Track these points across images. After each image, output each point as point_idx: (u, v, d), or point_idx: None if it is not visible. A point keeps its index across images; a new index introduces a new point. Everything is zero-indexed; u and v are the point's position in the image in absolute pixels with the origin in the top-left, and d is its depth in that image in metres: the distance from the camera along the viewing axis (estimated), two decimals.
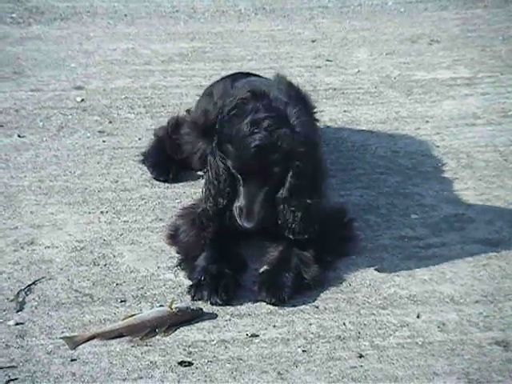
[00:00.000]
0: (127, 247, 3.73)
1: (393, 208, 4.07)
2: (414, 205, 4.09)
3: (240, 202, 3.40)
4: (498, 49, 6.21)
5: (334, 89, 5.49)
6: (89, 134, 4.81)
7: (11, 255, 3.66)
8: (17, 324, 3.21)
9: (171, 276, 3.52)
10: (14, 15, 6.88)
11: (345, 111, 5.15)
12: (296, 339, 3.16)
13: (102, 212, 4.02)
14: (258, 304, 3.35)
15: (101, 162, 4.50)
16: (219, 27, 6.72)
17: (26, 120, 4.98)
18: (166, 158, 4.30)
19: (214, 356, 3.06)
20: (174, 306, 3.22)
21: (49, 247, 3.72)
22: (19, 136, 4.78)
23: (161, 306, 3.29)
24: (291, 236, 3.46)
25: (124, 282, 3.49)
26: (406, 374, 2.98)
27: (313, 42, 6.39)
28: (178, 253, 3.62)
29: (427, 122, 5.01)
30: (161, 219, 3.94)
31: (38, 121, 4.97)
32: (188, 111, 4.55)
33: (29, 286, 3.44)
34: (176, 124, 4.40)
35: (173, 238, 3.68)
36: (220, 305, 3.31)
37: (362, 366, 3.02)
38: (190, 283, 3.42)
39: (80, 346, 3.10)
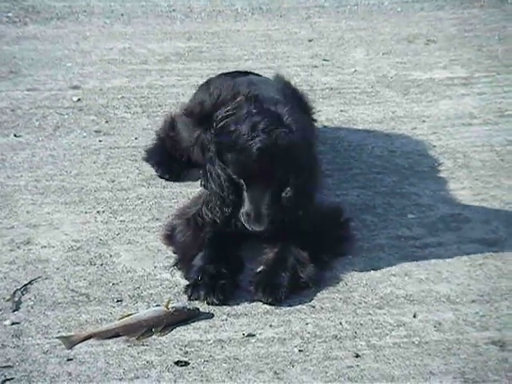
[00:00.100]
0: (124, 247, 3.73)
1: (389, 208, 4.07)
2: (410, 204, 4.09)
3: (246, 207, 3.39)
4: (495, 48, 6.21)
5: (331, 88, 5.49)
6: (85, 134, 4.81)
7: (7, 255, 3.65)
8: (13, 324, 3.21)
9: (168, 276, 3.52)
10: (10, 14, 6.88)
11: (341, 111, 5.15)
12: (292, 339, 3.16)
13: (98, 212, 4.01)
14: (254, 304, 3.35)
15: (97, 161, 4.49)
16: (216, 27, 6.72)
17: (22, 119, 4.98)
18: (170, 157, 4.30)
19: (211, 356, 3.06)
20: (170, 306, 3.22)
21: (45, 247, 3.72)
22: (15, 135, 4.77)
23: (157, 305, 3.29)
24: (294, 230, 3.47)
25: (120, 281, 3.49)
26: (403, 373, 2.98)
27: (309, 41, 6.39)
28: (174, 253, 3.62)
29: (424, 121, 5.01)
30: (157, 219, 3.94)
31: (35, 120, 4.97)
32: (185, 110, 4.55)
33: (25, 285, 3.44)
34: (172, 121, 4.41)
35: (169, 238, 3.68)
36: (216, 305, 3.31)
37: (358, 365, 3.02)
38: (187, 283, 3.42)
39: (76, 346, 3.10)
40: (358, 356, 3.06)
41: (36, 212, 4.00)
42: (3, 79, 5.55)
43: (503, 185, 4.28)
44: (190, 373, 2.98)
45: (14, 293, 3.39)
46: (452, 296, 3.40)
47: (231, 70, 4.98)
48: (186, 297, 3.36)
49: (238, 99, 3.52)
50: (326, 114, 5.07)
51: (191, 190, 4.15)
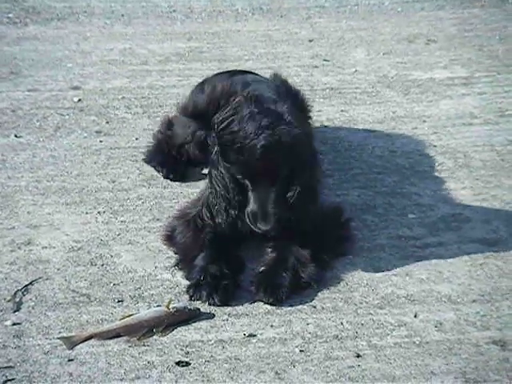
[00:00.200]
0: (124, 247, 3.73)
1: (390, 208, 4.07)
2: (411, 204, 4.09)
3: (251, 206, 3.38)
4: (495, 48, 6.21)
5: (332, 88, 5.49)
6: (86, 134, 4.81)
7: (8, 255, 3.66)
8: (14, 324, 3.21)
9: (168, 276, 3.52)
10: (10, 15, 6.88)
11: (342, 111, 5.15)
12: (293, 339, 3.16)
13: (99, 212, 4.01)
14: (255, 304, 3.35)
15: (98, 162, 4.49)
16: (216, 27, 6.72)
17: (23, 120, 4.98)
18: (171, 157, 4.31)
19: (212, 356, 3.06)
20: (171, 306, 3.22)
21: (46, 247, 3.72)
22: (16, 136, 4.77)
23: (158, 305, 3.29)
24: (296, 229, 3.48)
25: (121, 282, 3.49)
26: (404, 373, 2.98)
27: (310, 41, 6.39)
28: (175, 253, 3.62)
29: (424, 121, 5.01)
30: (158, 219, 3.94)
31: (35, 121, 4.97)
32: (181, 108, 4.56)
33: (26, 286, 3.44)
34: (169, 122, 4.43)
35: (170, 238, 3.68)
36: (218, 305, 3.31)
37: (359, 365, 3.02)
38: (188, 283, 3.41)
39: (77, 346, 3.10)
40: (359, 356, 3.06)
41: (37, 212, 4.00)
42: (4, 80, 5.55)
43: (504, 184, 4.28)
44: (191, 373, 2.98)
45: (15, 293, 3.39)
46: (453, 296, 3.40)
47: (232, 70, 4.99)
48: (186, 297, 3.36)
49: (237, 99, 3.52)
50: (326, 114, 5.07)
51: (192, 190, 4.15)
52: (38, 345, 3.10)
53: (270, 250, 3.54)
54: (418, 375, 2.97)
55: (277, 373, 2.98)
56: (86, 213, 4.01)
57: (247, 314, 3.29)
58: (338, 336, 3.17)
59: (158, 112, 5.07)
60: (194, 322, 3.24)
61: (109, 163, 4.48)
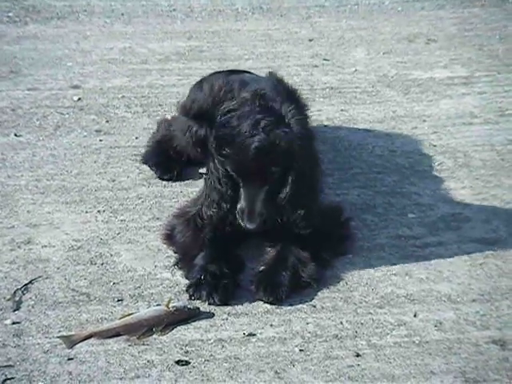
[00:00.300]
0: (124, 246, 3.73)
1: (390, 207, 4.07)
2: (411, 204, 4.09)
3: (241, 203, 3.40)
4: (495, 48, 6.21)
5: (331, 88, 5.49)
6: (86, 133, 4.81)
7: (8, 254, 3.66)
8: (13, 323, 3.21)
9: (168, 275, 3.52)
10: (10, 14, 6.88)
11: (342, 110, 5.15)
12: (293, 338, 3.16)
13: (98, 211, 4.01)
14: (255, 303, 3.35)
15: (98, 161, 4.49)
16: (216, 26, 6.72)
17: (23, 119, 4.98)
18: (168, 157, 4.31)
19: (211, 355, 3.06)
20: (171, 305, 3.22)
21: (45, 246, 3.72)
22: (16, 135, 4.77)
23: (158, 305, 3.29)
24: (296, 230, 3.47)
25: (121, 281, 3.49)
26: (403, 372, 2.98)
27: (310, 41, 6.39)
28: (175, 252, 3.62)
29: (424, 121, 5.01)
30: (158, 218, 3.94)
31: (35, 120, 4.97)
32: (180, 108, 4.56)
33: (25, 285, 3.44)
34: (167, 122, 4.44)
35: (169, 237, 3.68)
36: (218, 305, 3.31)
37: (359, 364, 3.02)
38: (188, 282, 3.41)
39: (77, 345, 3.10)
40: (358, 355, 3.06)
41: (36, 211, 4.00)
42: (4, 79, 5.55)
43: (504, 184, 4.28)
44: (190, 372, 2.98)
45: (15, 292, 3.39)
46: (453, 295, 3.40)
47: (230, 69, 4.99)
48: (186, 296, 3.36)
49: (244, 95, 3.52)
50: (326, 114, 5.07)
51: (191, 189, 4.15)
52: (38, 344, 3.10)
53: (269, 249, 3.54)
54: (418, 375, 2.97)
55: (276, 372, 2.98)
56: (86, 212, 4.01)
57: (247, 314, 3.29)
58: (337, 335, 3.17)
59: (158, 111, 5.07)
60: (194, 321, 3.24)
61: (109, 162, 4.48)
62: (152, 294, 3.40)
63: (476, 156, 4.57)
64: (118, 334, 3.14)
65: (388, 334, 3.18)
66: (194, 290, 3.35)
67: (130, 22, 6.78)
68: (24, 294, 3.38)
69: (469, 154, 4.60)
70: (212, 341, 3.14)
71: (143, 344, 3.11)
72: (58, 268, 3.57)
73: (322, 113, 5.04)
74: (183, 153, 4.30)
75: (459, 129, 4.90)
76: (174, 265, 3.55)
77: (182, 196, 4.13)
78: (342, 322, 3.24)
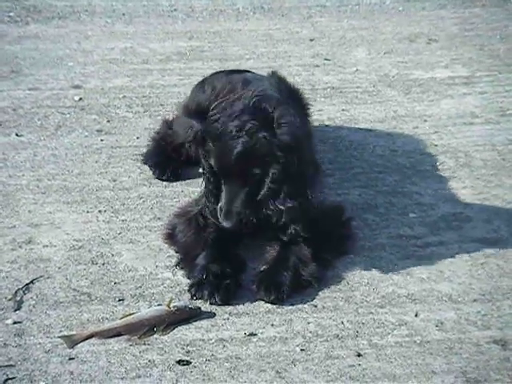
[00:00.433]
0: (125, 246, 3.73)
1: (391, 207, 4.07)
2: (412, 204, 4.09)
3: (221, 201, 3.41)
4: (496, 48, 6.21)
5: (333, 88, 5.49)
6: (87, 133, 4.81)
7: (9, 254, 3.66)
8: (15, 323, 3.21)
9: (169, 275, 3.52)
10: (11, 14, 6.88)
11: (343, 110, 5.15)
12: (294, 338, 3.16)
13: (100, 211, 4.02)
14: (256, 303, 3.35)
15: (99, 160, 4.50)
16: (217, 26, 6.72)
17: (24, 119, 4.98)
18: (167, 158, 4.31)
19: (212, 355, 3.06)
20: (172, 305, 3.22)
21: (47, 246, 3.72)
22: (17, 135, 4.78)
23: (159, 304, 3.29)
24: (283, 237, 3.46)
25: (122, 280, 3.49)
26: (404, 372, 2.98)
27: (311, 40, 6.39)
28: (176, 252, 3.62)
29: (425, 120, 5.01)
30: (159, 218, 3.94)
31: (36, 120, 4.97)
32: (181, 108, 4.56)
33: (27, 284, 3.44)
34: (169, 122, 4.44)
35: (171, 237, 3.68)
36: (219, 304, 3.31)
37: (360, 364, 3.02)
38: (189, 282, 3.41)
39: (78, 345, 3.10)
40: (359, 355, 3.06)
41: (38, 211, 4.00)
42: (5, 79, 5.55)
43: (505, 184, 4.28)
44: (191, 372, 2.98)
45: (16, 292, 3.39)
46: (454, 295, 3.40)
47: (230, 69, 4.99)
48: (187, 296, 3.36)
49: (238, 94, 3.53)
50: (327, 113, 5.07)
51: (193, 188, 4.15)
52: (39, 343, 3.11)
53: (270, 248, 3.54)
54: (419, 374, 2.97)
55: (277, 372, 2.98)
56: (87, 212, 4.01)
57: (248, 313, 3.29)
58: (338, 335, 3.17)
59: (159, 111, 5.07)
60: (195, 320, 3.24)
61: (110, 162, 4.48)
62: (153, 293, 3.40)
63: (477, 156, 4.57)
64: (119, 334, 3.14)
65: (389, 333, 3.18)
66: (196, 289, 3.35)
67: (131, 22, 6.78)
68: (25, 294, 3.39)
69: (470, 153, 4.60)
70: (213, 340, 3.14)
71: (144, 344, 3.11)
72: (59, 268, 3.57)
73: (323, 112, 5.05)
74: (184, 152, 4.29)
75: (460, 128, 4.90)
76: (176, 265, 3.55)
77: (183, 196, 4.13)
78: (343, 322, 3.24)
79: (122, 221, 3.93)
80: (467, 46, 6.26)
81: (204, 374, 2.97)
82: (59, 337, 3.13)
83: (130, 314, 3.21)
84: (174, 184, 4.25)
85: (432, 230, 3.87)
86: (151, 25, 6.73)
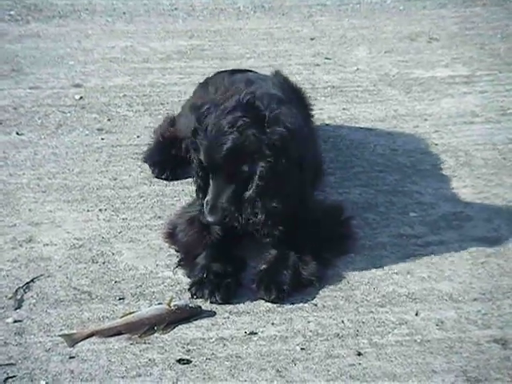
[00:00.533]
0: (126, 245, 3.73)
1: (391, 206, 4.07)
2: (412, 203, 4.09)
3: (208, 196, 3.42)
4: (497, 47, 6.21)
5: (333, 87, 5.49)
6: (87, 132, 4.81)
7: (9, 253, 3.66)
8: (15, 321, 3.21)
9: (170, 274, 3.52)
10: (12, 12, 6.88)
11: (343, 109, 5.15)
12: (294, 337, 3.16)
13: (100, 210, 4.02)
14: (256, 302, 3.35)
15: (99, 159, 4.50)
16: (218, 25, 6.72)
17: (25, 117, 4.98)
18: (167, 157, 4.31)
19: (213, 353, 3.06)
20: (172, 304, 3.22)
21: (47, 245, 3.72)
22: (18, 133, 4.78)
23: (159, 303, 3.29)
24: (264, 239, 3.46)
25: (123, 279, 3.49)
26: (405, 371, 2.98)
27: (311, 39, 6.39)
28: (176, 251, 3.62)
29: (426, 120, 5.01)
30: (159, 217, 3.94)
31: (37, 118, 4.97)
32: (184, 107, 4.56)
33: (27, 283, 3.44)
34: (172, 120, 4.44)
35: (171, 236, 3.68)
36: (220, 303, 3.31)
37: (360, 363, 3.02)
38: (190, 281, 3.41)
39: (78, 344, 3.10)
40: (360, 354, 3.06)
41: (38, 210, 4.00)
42: (5, 77, 5.55)
43: (505, 183, 4.28)
44: (192, 371, 2.98)
45: (17, 291, 3.39)
46: (454, 294, 3.40)
47: (232, 68, 4.99)
48: (188, 295, 3.36)
49: (232, 91, 3.54)
50: (328, 112, 5.07)
51: (193, 187, 4.14)
52: (40, 342, 3.11)
53: (271, 247, 3.54)
54: (419, 373, 2.97)
55: (278, 371, 2.98)
56: (88, 210, 4.01)
57: (248, 312, 3.29)
58: (338, 334, 3.17)
59: (160, 110, 5.07)
60: (195, 319, 3.24)
61: (110, 161, 4.48)
62: (153, 292, 3.40)
63: (477, 155, 4.57)
64: (119, 333, 3.14)
65: (389, 332, 3.18)
66: (197, 288, 3.35)
67: (131, 21, 6.78)
68: (26, 293, 3.39)
69: (470, 152, 4.60)
70: (213, 339, 3.14)
71: (145, 343, 3.12)
72: (60, 266, 3.57)
73: (323, 111, 5.04)
74: (185, 152, 4.29)
75: (460, 128, 4.90)
76: (176, 264, 3.54)
77: (183, 194, 4.13)
78: (343, 321, 3.24)
79: (123, 219, 3.93)
80: (468, 45, 6.26)
81: (204, 373, 2.97)
82: (60, 335, 3.13)
83: (131, 313, 3.21)
84: (175, 183, 4.25)
85: (432, 229, 3.87)
86: (152, 24, 6.73)
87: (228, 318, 3.26)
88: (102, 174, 4.34)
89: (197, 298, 3.34)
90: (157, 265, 3.59)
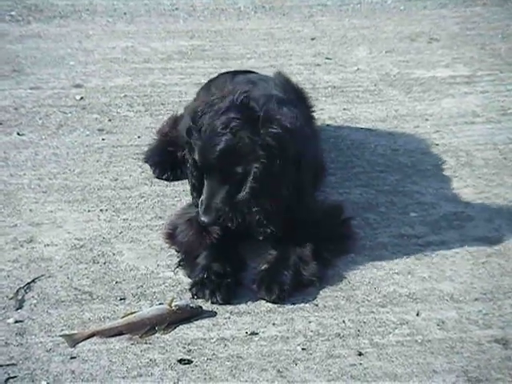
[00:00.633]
0: (127, 245, 3.73)
1: (392, 206, 4.07)
2: (413, 203, 4.09)
3: (202, 196, 3.43)
4: (498, 47, 6.21)
5: (334, 87, 5.49)
6: (88, 132, 4.81)
7: (10, 253, 3.66)
8: (16, 322, 3.21)
9: (171, 274, 3.52)
10: (13, 13, 6.88)
11: (344, 109, 5.15)
12: (295, 337, 3.16)
13: (101, 210, 4.02)
14: (257, 302, 3.35)
15: (100, 160, 4.50)
16: (218, 25, 6.72)
17: (26, 118, 4.98)
18: (168, 157, 4.31)
19: (214, 354, 3.06)
20: (173, 304, 3.22)
21: (48, 245, 3.72)
22: (18, 134, 4.78)
23: (160, 303, 3.29)
24: (258, 236, 3.47)
25: (123, 279, 3.49)
26: (406, 371, 2.98)
27: (312, 39, 6.39)
28: (177, 251, 3.62)
29: (426, 120, 5.01)
30: (160, 217, 3.94)
31: (38, 119, 4.97)
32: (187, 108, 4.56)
33: (28, 283, 3.44)
34: (174, 121, 4.43)
35: (171, 237, 3.67)
36: (220, 304, 3.31)
37: (361, 363, 3.02)
38: (191, 281, 3.41)
39: (79, 344, 3.10)
40: (361, 354, 3.06)
41: (39, 210, 4.00)
42: (6, 78, 5.55)
43: (506, 183, 4.28)
44: (193, 371, 2.98)
45: (18, 291, 3.39)
46: (455, 294, 3.40)
47: (234, 68, 5.00)
48: (189, 295, 3.36)
49: (226, 91, 3.55)
50: (328, 113, 5.07)
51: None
52: (41, 342, 3.11)
53: (271, 248, 3.54)
54: (420, 373, 2.97)
55: (279, 371, 2.98)
56: (89, 211, 4.01)
57: (249, 312, 3.29)
58: (339, 334, 3.17)
59: (161, 110, 5.07)
60: (196, 319, 3.24)
61: (111, 161, 4.48)
62: (154, 292, 3.40)
63: (478, 155, 4.57)
64: (120, 333, 3.14)
65: (390, 332, 3.18)
66: (198, 288, 3.35)
67: (132, 21, 6.79)
68: (27, 293, 3.39)
69: (471, 152, 4.60)
70: (214, 340, 3.14)
71: (146, 343, 3.12)
72: (61, 267, 3.57)
73: (324, 112, 5.04)
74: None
75: (461, 128, 4.90)
76: (177, 265, 3.54)
77: (184, 195, 4.13)
78: (344, 321, 3.24)
79: (124, 220, 3.93)
80: (468, 45, 6.26)
81: (205, 373, 2.97)
82: (61, 336, 3.13)
83: (132, 313, 3.21)
84: (176, 183, 4.26)
85: (433, 229, 3.87)
86: (152, 24, 6.73)
87: (229, 318, 3.26)
88: (102, 175, 4.34)
89: (198, 298, 3.34)
90: (158, 265, 3.59)
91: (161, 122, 4.63)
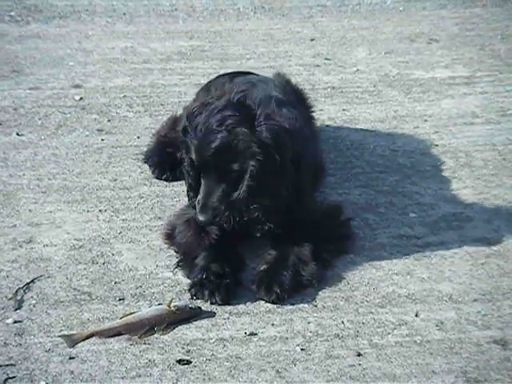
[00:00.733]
0: (126, 245, 3.73)
1: (391, 207, 4.07)
2: (412, 203, 4.09)
3: (199, 195, 3.43)
4: (497, 48, 6.21)
5: (333, 87, 5.49)
6: (87, 133, 4.81)
7: (9, 253, 3.66)
8: (15, 322, 3.21)
9: (170, 274, 3.52)
10: (12, 13, 6.88)
11: (343, 110, 5.15)
12: (294, 338, 3.16)
13: (100, 210, 4.02)
14: (256, 302, 3.35)
15: (99, 160, 4.50)
16: (218, 26, 6.72)
17: (25, 118, 4.98)
18: (167, 158, 4.31)
19: (213, 354, 3.06)
20: (172, 305, 3.22)
21: (47, 245, 3.72)
22: (18, 134, 4.78)
23: (159, 304, 3.29)
24: (256, 233, 3.47)
25: (123, 280, 3.49)
26: (405, 372, 2.98)
27: (311, 40, 6.39)
28: (176, 252, 3.62)
29: (426, 120, 5.01)
30: (159, 218, 3.94)
31: (37, 119, 4.97)
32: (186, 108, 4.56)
33: (27, 284, 3.44)
34: (174, 121, 4.42)
35: (170, 237, 3.67)
36: (219, 304, 3.31)
37: (360, 364, 3.02)
38: (190, 282, 3.41)
39: (78, 344, 3.10)
40: (359, 355, 3.06)
41: (38, 211, 4.00)
42: (6, 78, 5.55)
43: (505, 184, 4.28)
44: (192, 371, 2.98)
45: (17, 291, 3.39)
46: (454, 295, 3.40)
47: (233, 69, 5.00)
48: (187, 295, 3.36)
49: (221, 91, 3.55)
50: (327, 113, 5.07)
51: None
52: (40, 343, 3.11)
53: (270, 248, 3.54)
54: (419, 374, 2.97)
55: (278, 371, 2.98)
56: (88, 211, 4.01)
57: (248, 313, 3.29)
58: (338, 335, 3.17)
59: (160, 111, 5.07)
60: (195, 320, 3.24)
61: (110, 161, 4.48)
62: (153, 293, 3.40)
63: (477, 156, 4.57)
64: (119, 334, 3.14)
65: (389, 333, 3.18)
66: (197, 289, 3.35)
67: (131, 22, 6.79)
68: (26, 293, 3.39)
69: (470, 153, 4.60)
70: (213, 340, 3.14)
71: (145, 343, 3.12)
72: (60, 267, 3.57)
73: (323, 112, 5.04)
74: None
75: (461, 128, 4.90)
76: (176, 266, 3.54)
77: (183, 195, 4.12)
78: (343, 322, 3.24)
79: (123, 220, 3.93)
80: (468, 45, 6.26)
81: (204, 374, 2.97)
82: (59, 336, 3.13)
83: (131, 314, 3.21)
84: (175, 183, 4.25)
85: (432, 229, 3.87)
86: (152, 24, 6.74)
87: (228, 318, 3.26)
88: (101, 175, 4.34)
89: (197, 298, 3.34)
90: (157, 265, 3.59)
91: (160, 123, 4.63)
